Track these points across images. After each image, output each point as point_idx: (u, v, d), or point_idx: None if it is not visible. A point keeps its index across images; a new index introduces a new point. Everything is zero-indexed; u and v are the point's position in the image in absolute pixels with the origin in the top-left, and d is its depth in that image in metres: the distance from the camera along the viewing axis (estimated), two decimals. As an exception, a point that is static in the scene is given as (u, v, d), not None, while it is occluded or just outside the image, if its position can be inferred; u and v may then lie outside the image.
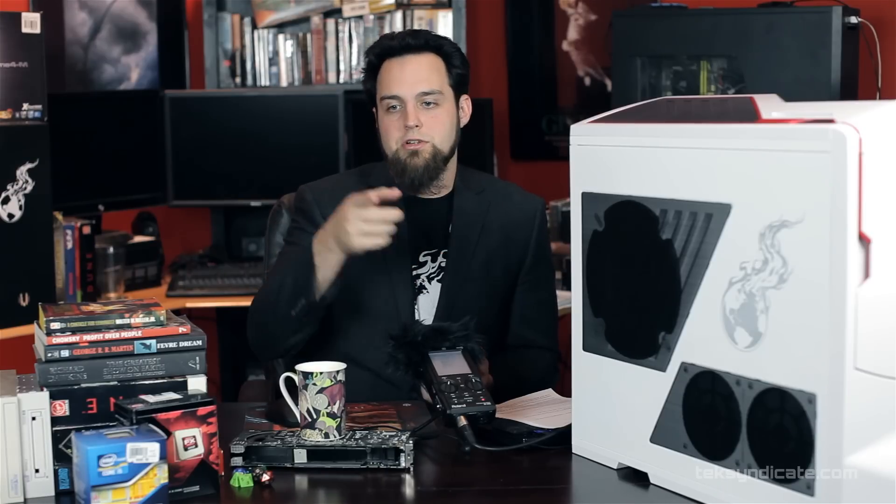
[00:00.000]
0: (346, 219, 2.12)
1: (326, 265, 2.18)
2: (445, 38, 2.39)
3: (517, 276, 2.44)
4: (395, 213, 2.12)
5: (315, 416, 1.86)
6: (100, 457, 1.59)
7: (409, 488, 1.79)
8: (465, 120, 2.41)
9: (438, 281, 2.38)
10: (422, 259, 2.38)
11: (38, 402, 1.74)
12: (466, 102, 2.41)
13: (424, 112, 2.31)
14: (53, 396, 1.75)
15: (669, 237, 1.71)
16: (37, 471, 1.74)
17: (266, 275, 2.51)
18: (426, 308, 2.36)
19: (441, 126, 2.33)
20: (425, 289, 2.38)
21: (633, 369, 1.79)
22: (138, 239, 3.73)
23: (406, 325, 2.08)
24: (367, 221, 2.11)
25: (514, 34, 4.53)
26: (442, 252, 2.39)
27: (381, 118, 2.36)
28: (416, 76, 2.32)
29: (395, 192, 2.16)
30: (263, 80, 4.15)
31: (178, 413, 1.71)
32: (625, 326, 1.82)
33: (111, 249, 3.46)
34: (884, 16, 3.25)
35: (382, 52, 2.35)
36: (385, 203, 2.13)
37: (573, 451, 1.91)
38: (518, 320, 2.45)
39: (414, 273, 2.37)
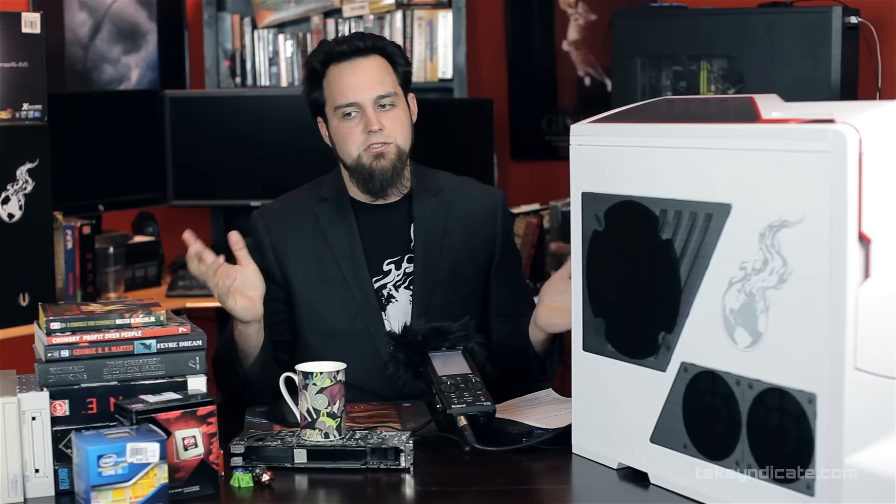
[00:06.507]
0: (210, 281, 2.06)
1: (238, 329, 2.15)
2: (387, 39, 2.39)
3: (488, 273, 2.42)
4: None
5: (315, 416, 1.86)
6: (100, 457, 1.60)
7: (409, 488, 1.79)
8: (413, 118, 2.39)
9: (406, 288, 2.35)
10: (385, 268, 2.36)
11: (38, 402, 1.74)
12: (412, 100, 2.41)
13: (383, 115, 2.30)
14: (53, 396, 1.76)
15: (669, 237, 1.71)
16: (37, 471, 1.74)
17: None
18: (397, 317, 2.32)
19: (402, 126, 2.32)
20: (394, 297, 2.35)
21: (633, 369, 1.79)
22: (138, 239, 3.72)
23: (406, 325, 2.08)
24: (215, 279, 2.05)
25: (514, 34, 4.52)
26: (406, 258, 2.36)
27: (335, 126, 2.33)
28: (371, 80, 2.30)
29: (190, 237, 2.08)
30: (263, 80, 4.14)
31: (178, 413, 1.71)
32: (625, 326, 1.82)
33: (111, 249, 3.46)
34: (884, 16, 3.25)
35: (328, 57, 2.32)
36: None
37: (573, 451, 1.91)
38: (498, 315, 2.43)
39: (379, 283, 2.34)
